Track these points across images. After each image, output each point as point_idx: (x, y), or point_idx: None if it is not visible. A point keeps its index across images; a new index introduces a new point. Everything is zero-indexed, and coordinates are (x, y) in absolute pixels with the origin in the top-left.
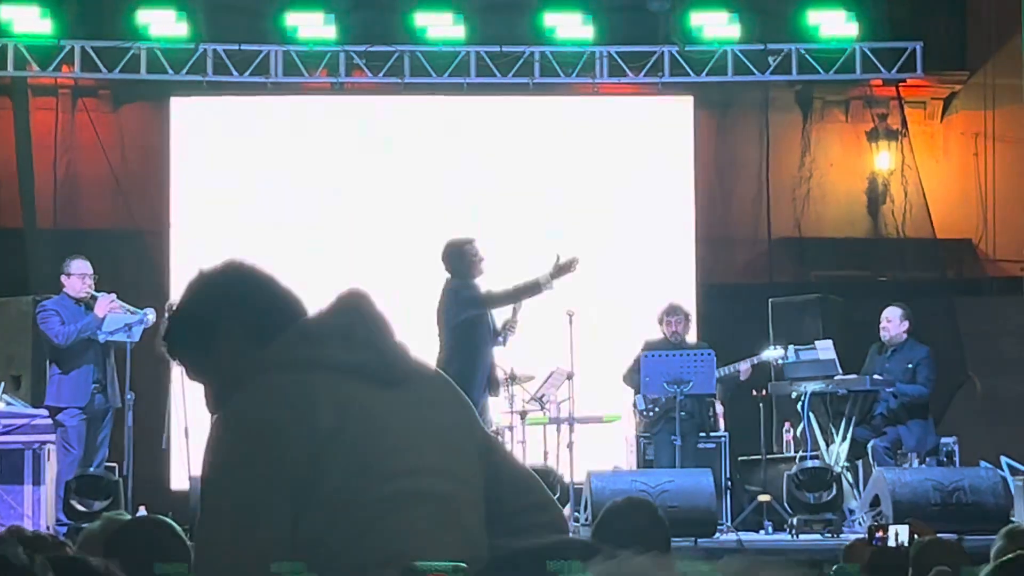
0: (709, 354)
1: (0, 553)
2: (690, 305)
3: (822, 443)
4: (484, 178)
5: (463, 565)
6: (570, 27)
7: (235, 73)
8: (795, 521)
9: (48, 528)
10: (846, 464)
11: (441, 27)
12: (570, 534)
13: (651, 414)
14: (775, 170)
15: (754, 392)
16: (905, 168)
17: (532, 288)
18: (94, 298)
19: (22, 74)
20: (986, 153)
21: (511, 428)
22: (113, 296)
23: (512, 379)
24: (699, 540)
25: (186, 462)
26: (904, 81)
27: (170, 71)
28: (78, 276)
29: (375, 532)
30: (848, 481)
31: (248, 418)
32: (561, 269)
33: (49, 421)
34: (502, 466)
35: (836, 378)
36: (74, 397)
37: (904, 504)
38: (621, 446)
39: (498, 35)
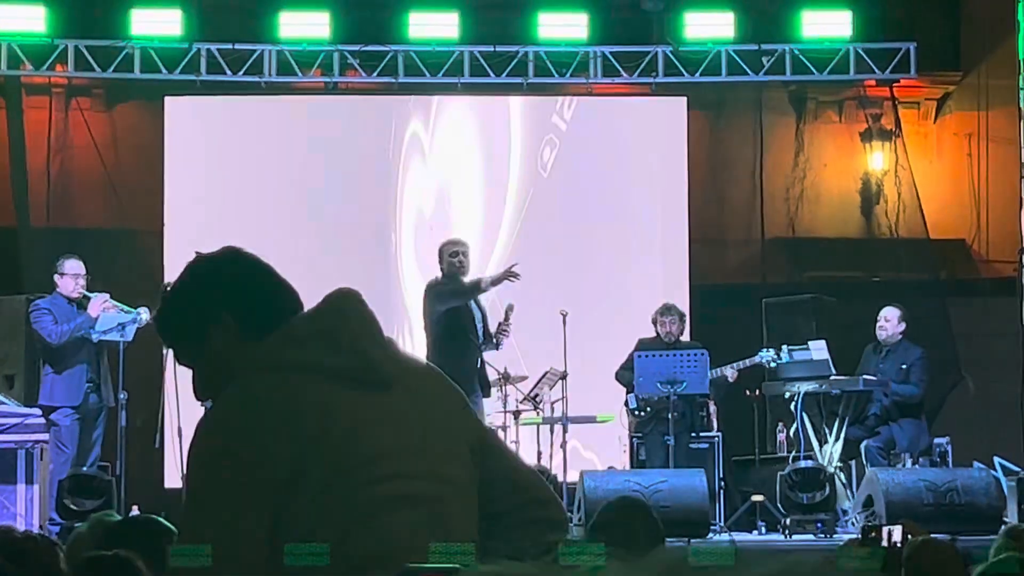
0: (702, 354)
1: None
2: (683, 305)
3: (815, 443)
4: (477, 177)
5: (457, 567)
6: (564, 27)
7: (229, 73)
8: (788, 521)
9: (41, 528)
10: (839, 464)
11: (435, 27)
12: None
13: (642, 414)
14: (768, 170)
15: (747, 392)
16: (898, 168)
17: (474, 289)
18: (87, 298)
19: (15, 73)
20: (979, 154)
21: (505, 428)
22: (106, 296)
23: (506, 379)
24: (692, 541)
25: (179, 462)
26: (898, 82)
27: (164, 70)
28: (71, 276)
29: (358, 536)
30: (841, 481)
31: (231, 421)
32: (504, 276)
33: (42, 420)
34: (499, 462)
35: (830, 378)
36: (67, 397)
37: (897, 504)
38: (615, 446)
39: (492, 35)
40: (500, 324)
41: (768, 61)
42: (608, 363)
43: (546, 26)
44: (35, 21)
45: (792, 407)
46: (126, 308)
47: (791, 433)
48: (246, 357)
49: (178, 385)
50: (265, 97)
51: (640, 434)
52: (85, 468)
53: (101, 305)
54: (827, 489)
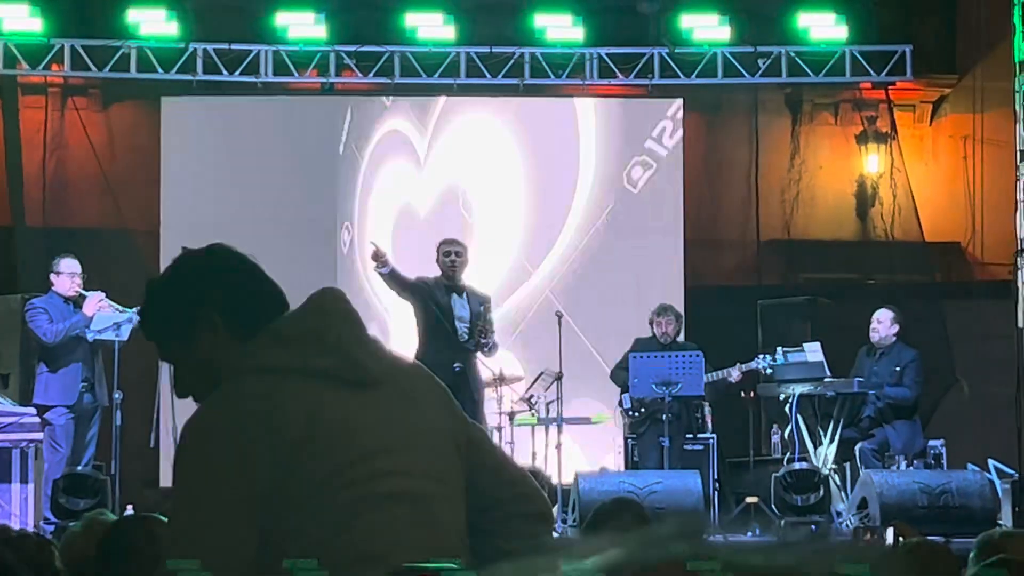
0: (698, 356)
1: None
2: (679, 307)
3: (810, 445)
4: (474, 178)
5: (453, 566)
6: (560, 28)
7: (225, 73)
8: (783, 523)
9: (35, 527)
10: (834, 466)
11: (431, 27)
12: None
13: (636, 414)
14: (764, 172)
15: (742, 394)
16: (894, 171)
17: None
18: (83, 297)
19: (12, 72)
20: (975, 156)
21: (500, 429)
22: (102, 295)
23: (501, 380)
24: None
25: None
26: (893, 84)
27: (160, 70)
28: (67, 275)
29: (347, 534)
30: (836, 483)
31: (217, 427)
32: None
33: (37, 419)
34: (485, 458)
35: (825, 380)
36: (62, 395)
37: (891, 506)
38: (609, 447)
39: (488, 36)
40: (474, 326)
41: (764, 63)
42: (603, 364)
43: (542, 28)
44: (31, 20)
45: (787, 409)
46: (121, 308)
47: (786, 435)
48: (231, 358)
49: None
50: (261, 97)
51: (635, 435)
52: (80, 467)
53: (97, 304)
54: (821, 491)
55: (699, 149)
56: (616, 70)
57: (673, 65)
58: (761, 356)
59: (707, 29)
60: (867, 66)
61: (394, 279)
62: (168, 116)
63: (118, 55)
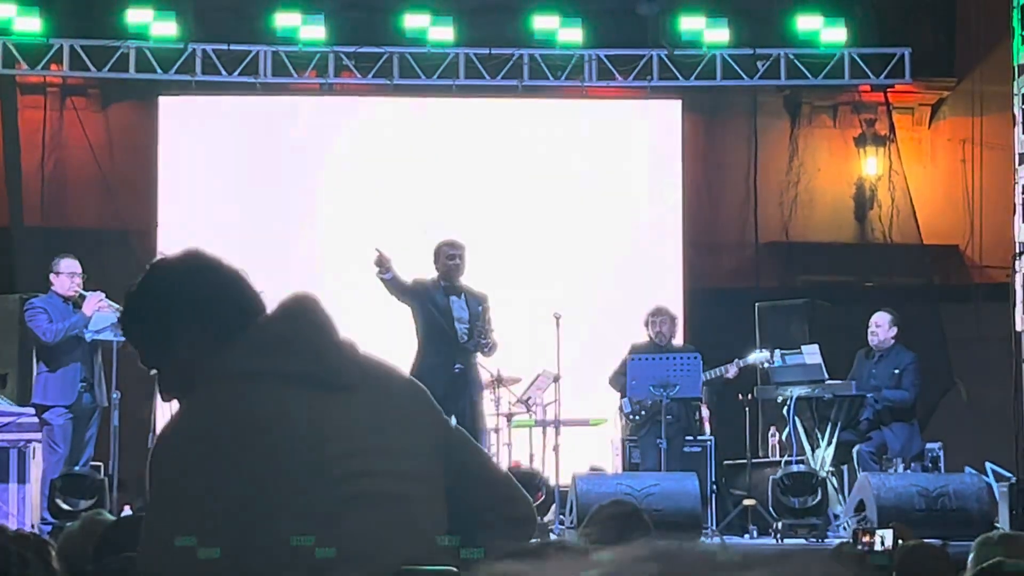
0: (695, 357)
1: None
2: (677, 309)
3: (807, 448)
4: (472, 180)
5: (454, 569)
6: (559, 30)
7: (224, 73)
8: (780, 525)
9: (33, 527)
10: (831, 469)
11: (430, 29)
12: (547, 528)
13: (637, 418)
14: (763, 174)
15: (740, 396)
16: (892, 174)
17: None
18: (82, 296)
19: (11, 72)
20: (973, 159)
21: (497, 430)
22: (101, 295)
23: (498, 381)
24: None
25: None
26: (892, 87)
27: (159, 70)
28: (67, 274)
29: (324, 538)
30: (833, 486)
31: (192, 431)
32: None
33: (35, 419)
34: (467, 460)
35: (823, 383)
36: (61, 395)
37: (889, 509)
38: (607, 449)
39: (487, 37)
40: (472, 328)
41: (763, 65)
42: (601, 366)
43: (541, 29)
44: (31, 20)
45: (784, 411)
46: (120, 308)
47: (783, 437)
48: (207, 365)
49: None
50: (260, 98)
51: (633, 437)
52: (77, 468)
53: (96, 304)
54: (819, 493)
55: (698, 151)
56: (615, 72)
57: (672, 67)
58: (758, 350)
59: (706, 31)
60: (866, 69)
61: (394, 284)
62: (167, 116)
63: (117, 55)
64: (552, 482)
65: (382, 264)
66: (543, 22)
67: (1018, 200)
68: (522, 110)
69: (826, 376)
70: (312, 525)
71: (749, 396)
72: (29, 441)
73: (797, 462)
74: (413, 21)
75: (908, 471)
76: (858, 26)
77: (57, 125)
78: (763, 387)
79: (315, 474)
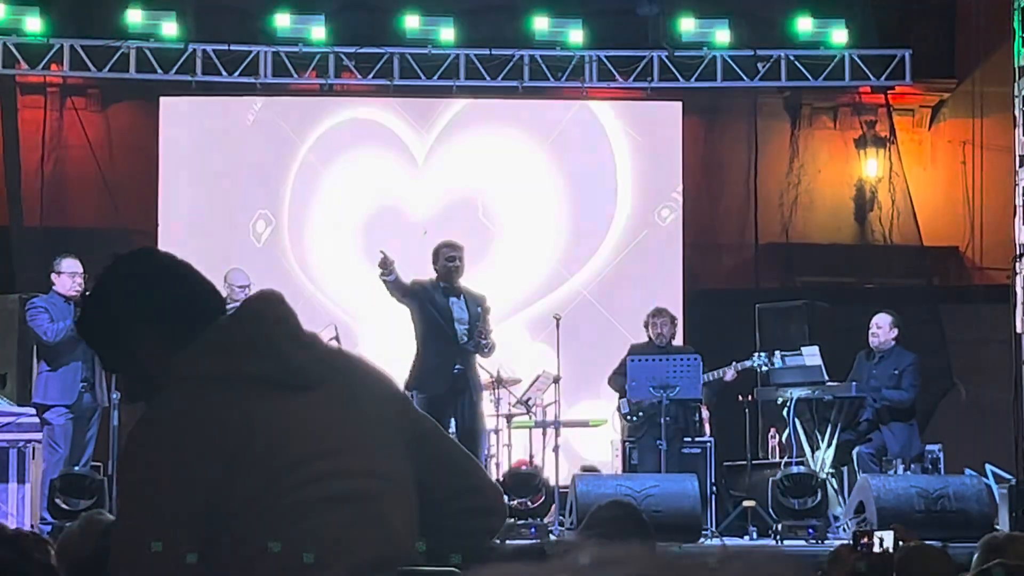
0: (695, 358)
1: None
2: (677, 310)
3: (807, 449)
4: (471, 180)
5: (455, 570)
6: (560, 31)
7: (224, 73)
8: (780, 527)
9: (32, 527)
10: (831, 470)
11: (431, 29)
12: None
13: (635, 419)
14: (763, 176)
15: (740, 397)
16: (893, 175)
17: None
18: (84, 296)
19: (11, 72)
20: (974, 161)
21: (497, 431)
22: None
23: (498, 382)
24: (683, 545)
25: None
26: (893, 88)
27: (159, 71)
28: (68, 274)
29: (293, 539)
30: (833, 487)
31: (158, 435)
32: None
33: (35, 419)
34: (437, 452)
35: (822, 384)
36: (62, 395)
37: (888, 511)
38: (607, 450)
39: (488, 38)
40: (472, 328)
41: (763, 67)
42: (601, 367)
43: (542, 30)
44: (31, 20)
45: (784, 413)
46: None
47: (783, 439)
48: (169, 367)
49: None
50: (260, 98)
51: (633, 439)
52: (78, 468)
53: None
54: (819, 495)
55: (698, 152)
56: (615, 73)
57: (672, 68)
58: (756, 354)
59: (707, 32)
60: (866, 70)
61: (396, 286)
62: (167, 116)
63: (117, 55)
64: (552, 483)
65: (386, 266)
66: (543, 23)
67: (1018, 202)
68: (522, 111)
69: (826, 377)
70: (283, 528)
71: (749, 397)
72: (29, 441)
73: (797, 463)
74: (413, 22)
75: (908, 473)
76: (858, 28)
77: (57, 125)
78: (763, 388)
79: (282, 476)
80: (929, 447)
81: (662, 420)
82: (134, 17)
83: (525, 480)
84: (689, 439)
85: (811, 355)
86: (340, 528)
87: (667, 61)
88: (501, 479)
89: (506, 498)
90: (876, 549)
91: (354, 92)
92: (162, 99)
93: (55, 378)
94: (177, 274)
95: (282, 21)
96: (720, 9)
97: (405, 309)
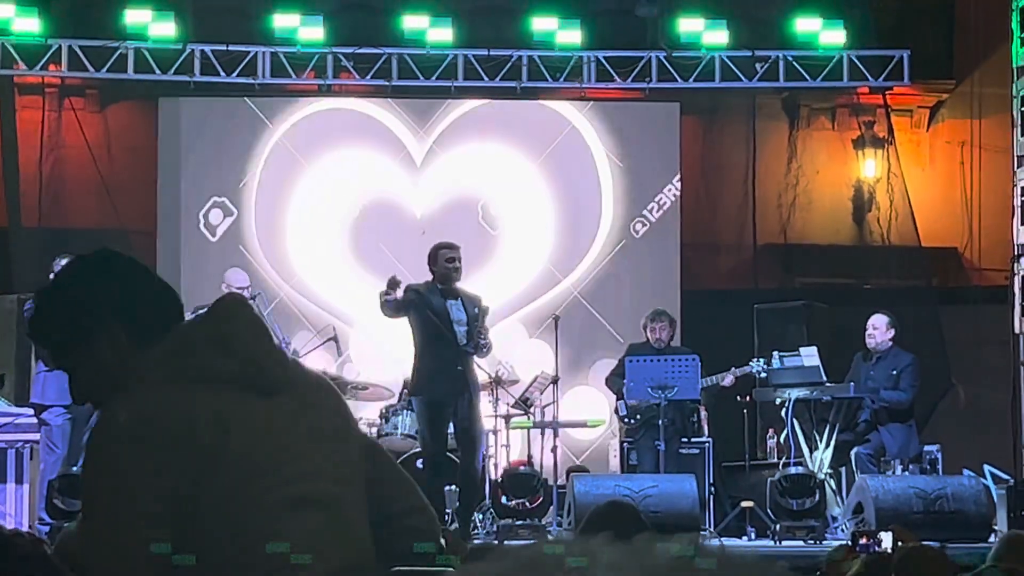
0: (694, 359)
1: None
2: (675, 311)
3: (806, 450)
4: (469, 180)
5: (449, 569)
6: (558, 32)
7: (222, 74)
8: (778, 527)
9: (30, 527)
10: (829, 471)
11: (429, 30)
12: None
13: (632, 421)
14: (761, 177)
15: (738, 398)
16: (891, 176)
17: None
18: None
19: (9, 72)
20: (972, 162)
21: (495, 431)
22: None
23: (497, 383)
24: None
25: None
26: (891, 89)
27: (157, 71)
28: None
29: (260, 540)
30: (831, 488)
31: (127, 434)
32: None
33: (33, 420)
34: (383, 468)
35: (821, 385)
36: (60, 395)
37: (887, 511)
38: (605, 451)
39: (486, 39)
40: (470, 330)
41: (761, 68)
42: (599, 368)
43: (540, 31)
44: (29, 21)
45: (783, 413)
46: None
47: (781, 439)
48: (134, 366)
49: None
50: (258, 99)
51: (631, 439)
52: (76, 468)
53: None
54: (817, 495)
55: (696, 153)
56: (613, 73)
57: (670, 69)
58: (755, 360)
59: (705, 33)
60: (865, 71)
61: (391, 304)
62: (165, 117)
63: (115, 56)
64: (550, 483)
65: (394, 288)
66: (542, 23)
67: (1017, 202)
68: (520, 111)
69: (824, 378)
70: (257, 529)
71: (747, 398)
72: (27, 441)
73: (795, 464)
74: (412, 22)
75: (906, 473)
76: (857, 28)
77: (55, 126)
78: (761, 389)
79: (251, 478)
80: (927, 448)
81: (660, 421)
82: (132, 17)
83: (523, 480)
84: (687, 440)
85: (809, 356)
86: (308, 531)
87: (665, 62)
88: (499, 479)
89: (504, 498)
90: (874, 550)
91: (352, 92)
92: (160, 99)
93: (53, 378)
94: (139, 272)
95: (280, 21)
96: (718, 10)
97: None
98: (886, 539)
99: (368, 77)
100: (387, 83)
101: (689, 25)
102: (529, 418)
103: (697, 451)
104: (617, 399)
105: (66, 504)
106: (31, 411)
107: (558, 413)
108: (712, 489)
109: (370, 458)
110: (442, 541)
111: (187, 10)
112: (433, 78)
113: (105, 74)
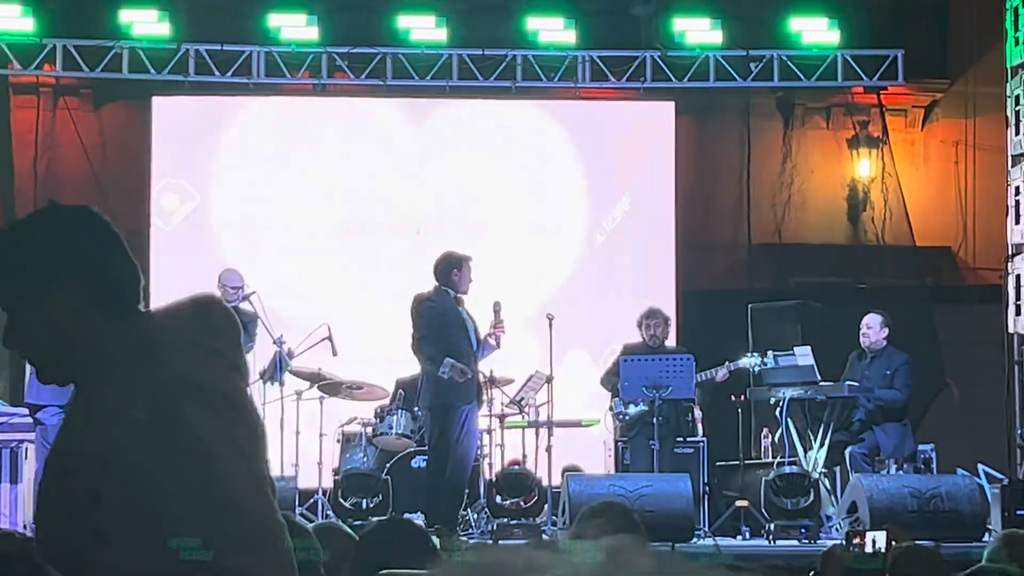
0: (688, 359)
1: None
2: (670, 310)
3: (800, 449)
4: (465, 180)
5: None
6: (552, 31)
7: (217, 73)
8: (772, 527)
9: (25, 527)
10: (824, 470)
11: (424, 29)
12: (539, 528)
13: (627, 419)
14: (756, 176)
15: (733, 397)
16: (885, 175)
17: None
18: None
19: (2, 72)
20: (966, 161)
21: (490, 431)
22: None
23: (491, 382)
24: (676, 545)
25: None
26: (885, 89)
27: (152, 71)
28: None
29: (247, 513)
30: (825, 487)
31: (108, 421)
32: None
33: (28, 419)
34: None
35: (815, 384)
36: (55, 395)
37: (881, 511)
38: (600, 450)
39: (480, 38)
40: (492, 323)
41: (756, 67)
42: (594, 367)
43: (535, 30)
44: (23, 20)
45: (777, 413)
46: None
47: (776, 439)
48: (105, 336)
49: None
50: (253, 98)
51: (625, 438)
52: None
53: None
54: (811, 495)
55: (691, 152)
56: (608, 73)
57: (665, 68)
58: (749, 354)
59: (699, 32)
60: (859, 70)
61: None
62: (159, 117)
63: (110, 55)
64: (544, 483)
65: (463, 376)
66: (536, 23)
67: (1011, 202)
68: (514, 111)
69: (819, 377)
70: (233, 507)
71: (742, 397)
72: (22, 441)
73: (790, 463)
74: (406, 22)
75: (900, 472)
76: (851, 28)
77: (50, 125)
78: (756, 388)
79: (232, 465)
80: (921, 447)
81: (655, 420)
82: (126, 17)
83: (517, 480)
84: (682, 439)
85: (804, 355)
86: (274, 509)
87: (660, 61)
88: (494, 479)
89: (498, 498)
90: (869, 549)
91: (347, 92)
92: (155, 99)
93: None
94: (112, 238)
95: (275, 21)
96: (713, 9)
97: (388, 316)
98: (880, 539)
99: (362, 77)
100: (381, 83)
101: (683, 24)
102: (523, 417)
103: (691, 450)
104: (612, 397)
105: None
106: (26, 411)
107: (552, 413)
108: (706, 488)
109: None
110: (435, 540)
111: (181, 9)
112: (428, 78)
113: (99, 74)
